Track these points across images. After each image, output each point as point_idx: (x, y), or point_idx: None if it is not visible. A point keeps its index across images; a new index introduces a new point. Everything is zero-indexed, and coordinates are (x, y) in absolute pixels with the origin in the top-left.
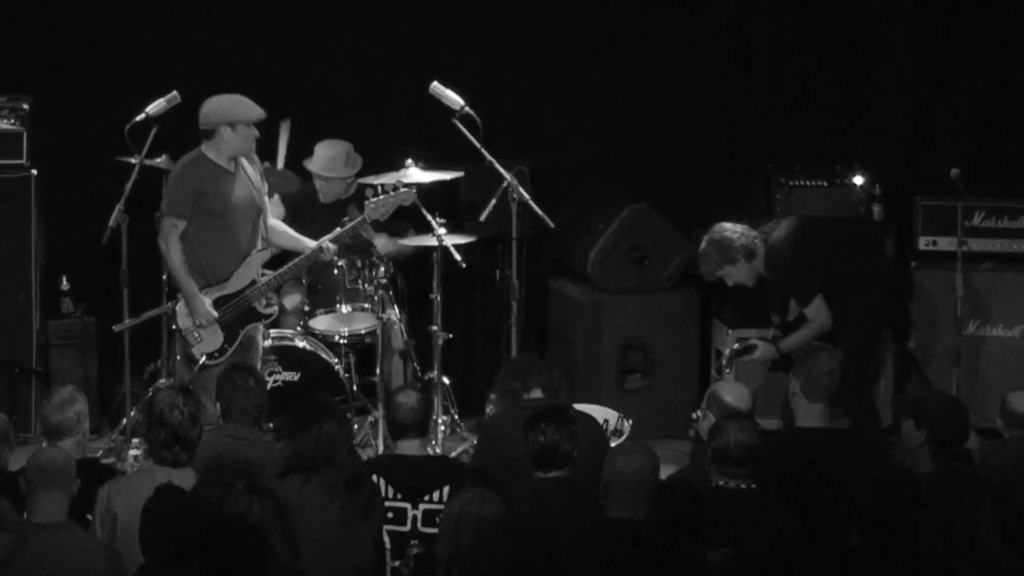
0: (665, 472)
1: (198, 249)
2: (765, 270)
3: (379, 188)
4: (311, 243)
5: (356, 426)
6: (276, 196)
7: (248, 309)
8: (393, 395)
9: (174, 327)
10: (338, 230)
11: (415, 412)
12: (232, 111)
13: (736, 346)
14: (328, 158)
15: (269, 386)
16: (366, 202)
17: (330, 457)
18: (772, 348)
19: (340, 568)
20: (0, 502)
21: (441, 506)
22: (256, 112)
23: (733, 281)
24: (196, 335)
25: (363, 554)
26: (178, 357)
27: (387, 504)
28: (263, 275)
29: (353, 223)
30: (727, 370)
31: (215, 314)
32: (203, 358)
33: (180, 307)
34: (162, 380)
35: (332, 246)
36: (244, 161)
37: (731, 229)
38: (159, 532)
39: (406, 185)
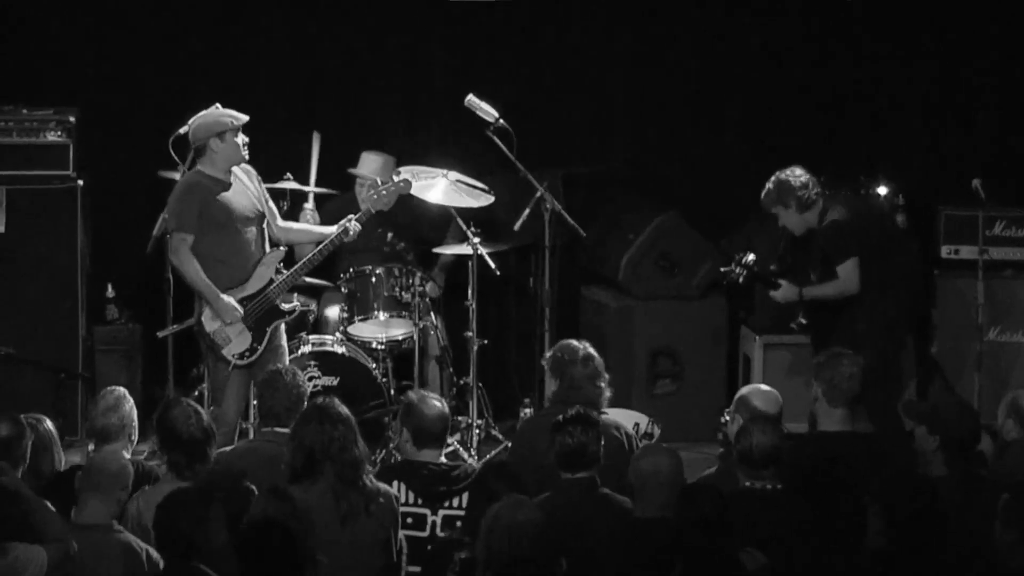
0: (692, 475)
1: (210, 259)
2: (818, 222)
3: (378, 181)
4: (331, 229)
5: (391, 432)
6: (311, 203)
7: (271, 307)
8: (415, 405)
9: (199, 332)
10: (356, 216)
11: (443, 420)
12: (217, 122)
13: (751, 258)
14: (379, 165)
15: (309, 391)
16: (368, 194)
17: (327, 456)
18: (795, 291)
19: (345, 567)
20: (49, 514)
21: (461, 512)
22: (240, 118)
23: (783, 223)
24: (225, 336)
25: (366, 553)
26: (210, 363)
27: (407, 510)
28: (280, 273)
29: (362, 212)
30: (736, 274)
31: (241, 309)
32: (234, 359)
33: (205, 314)
34: (204, 384)
35: (357, 226)
36: (239, 171)
37: (796, 176)
38: (165, 530)
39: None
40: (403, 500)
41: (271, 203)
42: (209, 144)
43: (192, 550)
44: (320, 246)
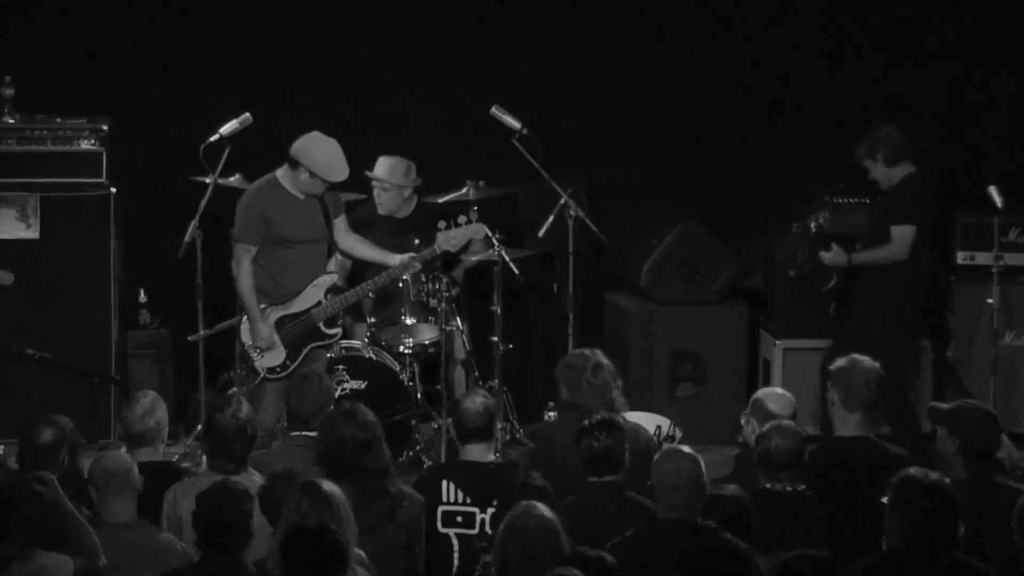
0: (713, 476)
1: (266, 271)
2: (897, 181)
3: (451, 221)
4: (393, 259)
5: (418, 434)
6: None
7: (312, 328)
8: (460, 401)
9: (239, 339)
10: (417, 255)
11: (480, 416)
12: (320, 166)
13: (820, 220)
14: (389, 167)
15: (337, 394)
16: (438, 233)
17: (351, 461)
18: (844, 256)
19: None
20: (84, 529)
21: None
22: (338, 176)
23: (871, 176)
24: (257, 351)
25: (388, 557)
26: (241, 371)
27: (456, 508)
28: (329, 296)
29: (426, 252)
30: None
31: (275, 339)
32: (264, 372)
33: (244, 324)
34: (234, 388)
35: (417, 264)
36: None
37: (894, 133)
38: (205, 520)
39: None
40: (452, 499)
41: (340, 217)
42: (300, 168)
43: (231, 543)
44: (376, 278)
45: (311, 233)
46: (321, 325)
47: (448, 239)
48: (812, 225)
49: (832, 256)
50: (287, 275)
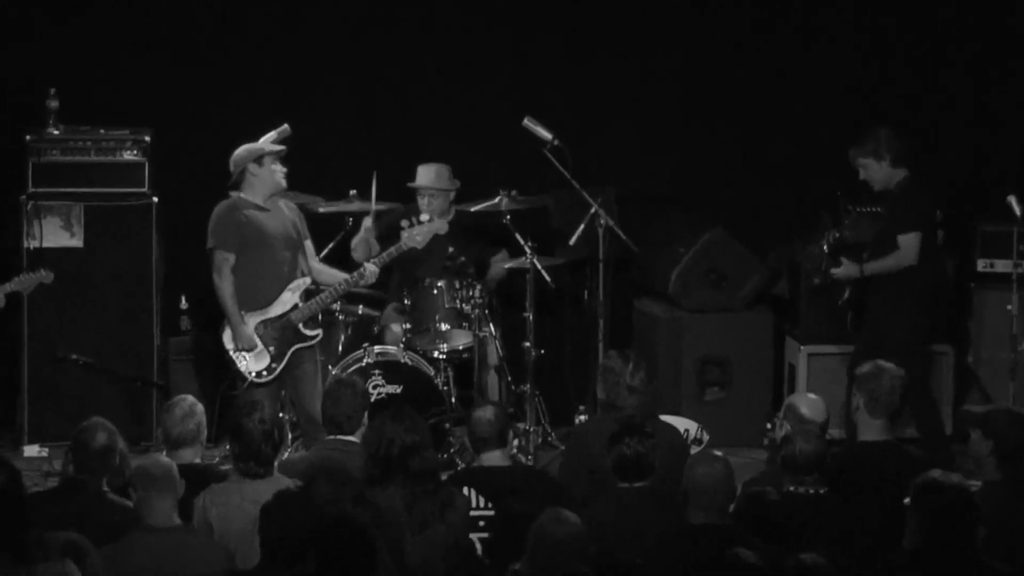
0: (740, 478)
1: (241, 277)
2: (894, 185)
3: (413, 220)
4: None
5: (452, 437)
6: (370, 222)
7: (293, 330)
8: (471, 412)
9: (222, 347)
10: (381, 256)
11: (492, 425)
12: (253, 149)
13: (832, 238)
14: (433, 174)
15: (373, 399)
16: (402, 231)
17: (400, 462)
18: (856, 268)
19: (416, 572)
20: (85, 548)
21: None
22: (280, 134)
23: (865, 175)
24: (242, 356)
25: (438, 557)
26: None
27: (479, 513)
28: (305, 299)
29: (393, 249)
30: (817, 281)
31: (256, 340)
32: (251, 376)
33: (227, 333)
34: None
35: (374, 268)
36: (280, 204)
37: (893, 134)
38: (275, 532)
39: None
40: (475, 504)
41: (308, 241)
42: (248, 169)
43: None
44: (338, 283)
45: (282, 238)
46: (301, 327)
47: (412, 236)
48: (824, 244)
49: (844, 270)
50: (261, 279)
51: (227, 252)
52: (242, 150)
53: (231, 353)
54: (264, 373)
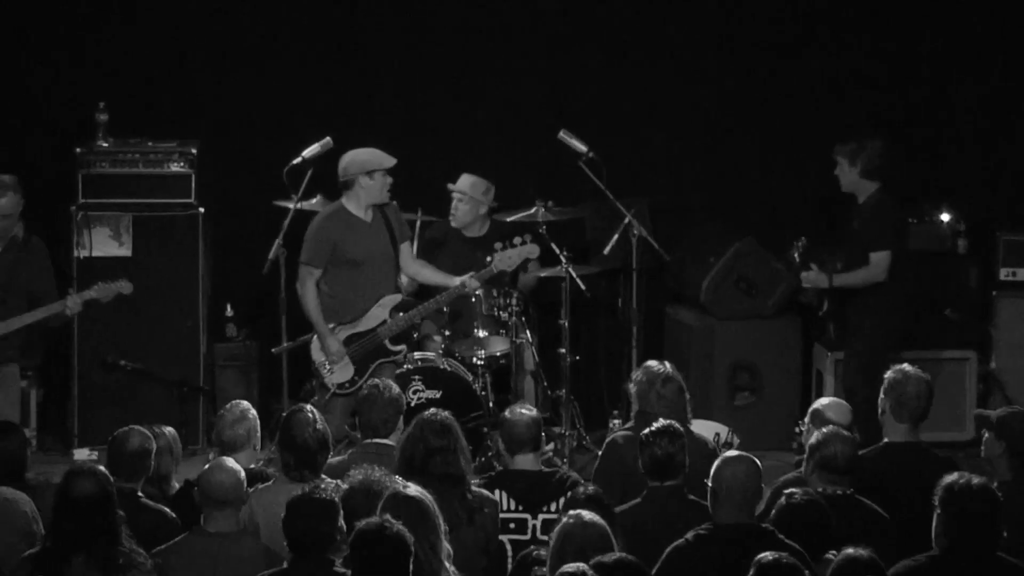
0: (769, 480)
1: (334, 292)
2: (865, 198)
3: (507, 243)
4: (454, 280)
5: (490, 441)
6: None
7: (378, 346)
8: (507, 415)
9: (311, 357)
10: (476, 273)
11: (530, 428)
12: (368, 161)
13: (803, 242)
14: (471, 182)
15: (413, 403)
16: (495, 253)
17: (422, 464)
18: (824, 277)
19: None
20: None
21: (557, 515)
22: (389, 160)
23: (838, 171)
24: (327, 368)
25: (467, 561)
26: (314, 384)
27: (510, 515)
28: (394, 316)
29: (484, 271)
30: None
31: (344, 352)
32: (334, 388)
33: (314, 342)
34: (315, 398)
35: (476, 283)
36: (384, 208)
37: (879, 148)
38: (299, 528)
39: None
40: (505, 507)
41: (406, 244)
42: (358, 180)
43: (324, 547)
44: (438, 297)
45: (377, 254)
46: (387, 342)
47: (504, 258)
48: (795, 252)
49: (813, 277)
50: (354, 295)
51: (314, 268)
52: (354, 160)
53: (316, 363)
54: (347, 385)
